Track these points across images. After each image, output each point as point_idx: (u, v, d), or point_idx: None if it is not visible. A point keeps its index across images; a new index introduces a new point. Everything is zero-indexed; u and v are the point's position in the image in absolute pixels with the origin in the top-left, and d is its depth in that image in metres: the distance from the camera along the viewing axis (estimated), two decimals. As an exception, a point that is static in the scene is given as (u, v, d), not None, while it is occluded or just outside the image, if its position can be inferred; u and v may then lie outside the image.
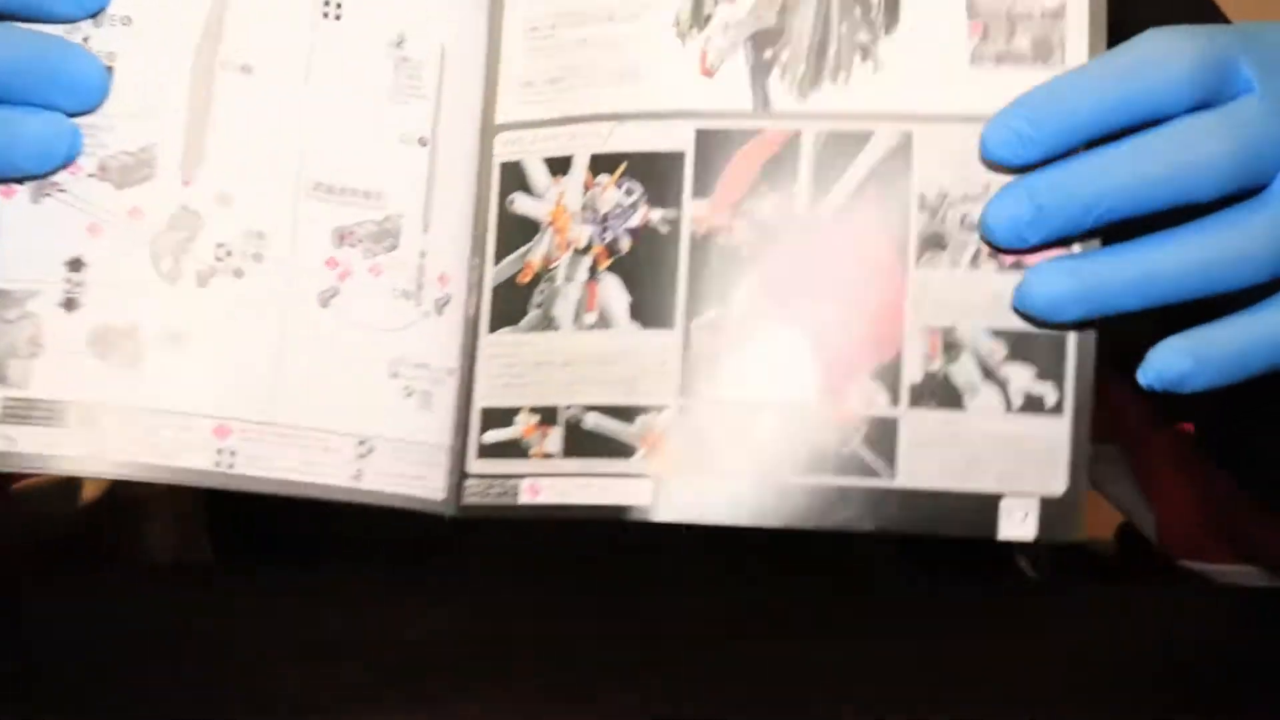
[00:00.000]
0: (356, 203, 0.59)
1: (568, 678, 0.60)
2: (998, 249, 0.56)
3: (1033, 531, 0.57)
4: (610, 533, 0.59)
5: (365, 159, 0.59)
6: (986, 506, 0.57)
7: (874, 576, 0.80)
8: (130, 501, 0.86)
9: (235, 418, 0.57)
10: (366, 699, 0.57)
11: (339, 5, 0.59)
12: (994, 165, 0.55)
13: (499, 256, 0.60)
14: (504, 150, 0.61)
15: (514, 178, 0.61)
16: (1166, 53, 0.51)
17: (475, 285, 0.60)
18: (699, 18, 0.60)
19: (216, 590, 0.63)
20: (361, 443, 0.58)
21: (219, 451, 0.57)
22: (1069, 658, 0.64)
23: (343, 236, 0.58)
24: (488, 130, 0.61)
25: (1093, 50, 0.57)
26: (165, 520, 0.90)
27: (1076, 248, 0.56)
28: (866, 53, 0.59)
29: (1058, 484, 0.57)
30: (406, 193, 0.59)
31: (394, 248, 0.59)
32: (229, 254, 0.57)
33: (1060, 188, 0.52)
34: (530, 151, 0.61)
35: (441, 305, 0.59)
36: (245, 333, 0.57)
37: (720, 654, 0.64)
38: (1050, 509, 0.57)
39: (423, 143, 0.59)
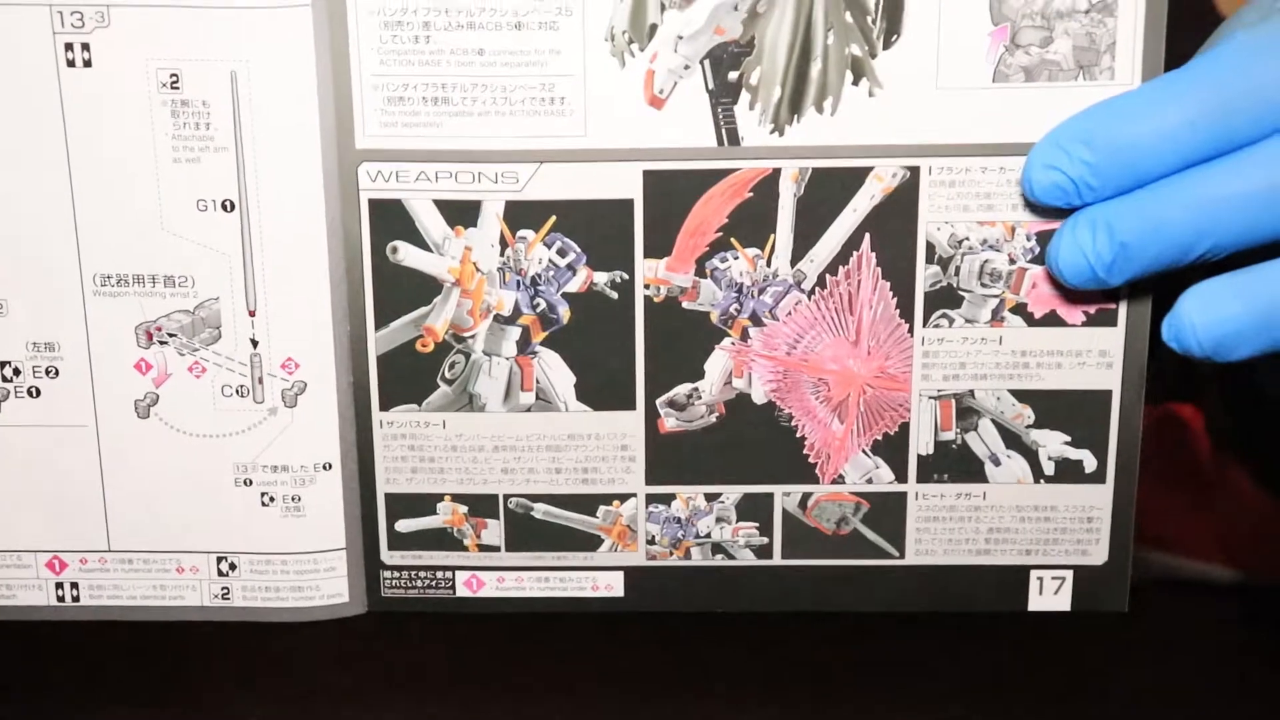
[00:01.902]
0: (158, 292, 0.46)
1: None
2: (1061, 288, 0.46)
3: (1068, 603, 0.50)
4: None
5: (156, 238, 0.45)
6: (1013, 579, 0.49)
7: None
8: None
9: (67, 550, 0.48)
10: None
11: (85, 48, 0.44)
12: (1036, 206, 0.45)
13: (383, 321, 0.47)
14: (374, 185, 0.46)
15: (392, 221, 0.46)
16: (1263, 66, 0.40)
17: (352, 357, 0.47)
18: (639, 29, 0.44)
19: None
20: (221, 559, 0.48)
21: (58, 586, 0.49)
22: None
23: (149, 334, 0.46)
24: (346, 159, 0.45)
25: (1149, 57, 0.43)
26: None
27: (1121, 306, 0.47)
28: (860, 70, 0.44)
29: (1097, 554, 0.49)
30: (219, 271, 0.46)
31: (216, 339, 0.46)
32: (17, 373, 0.47)
33: (1150, 222, 0.41)
34: (414, 192, 0.46)
35: (294, 396, 0.47)
36: (56, 458, 0.47)
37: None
38: (1088, 578, 0.49)
39: (228, 207, 0.45)
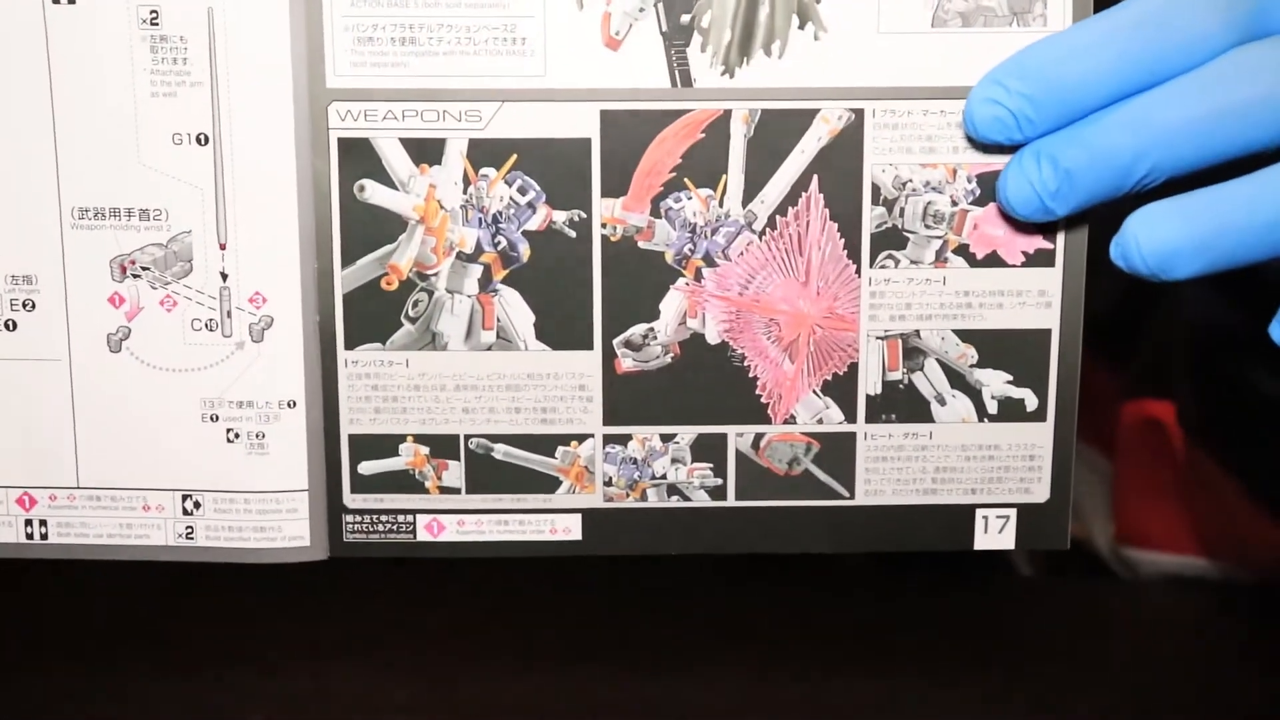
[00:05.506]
0: (133, 225, 0.48)
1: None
2: (1009, 219, 0.48)
3: (1011, 541, 0.51)
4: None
5: (133, 171, 0.48)
6: (959, 518, 0.51)
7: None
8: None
9: (38, 486, 0.50)
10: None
11: (69, -17, 0.47)
12: (980, 145, 0.47)
13: (349, 258, 0.49)
14: (343, 124, 0.48)
15: (360, 159, 0.48)
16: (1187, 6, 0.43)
17: (318, 294, 0.49)
18: None
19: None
20: (186, 498, 0.50)
21: (27, 524, 0.50)
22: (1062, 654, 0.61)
23: (124, 267, 0.48)
24: (316, 97, 0.48)
25: (1078, 4, 0.46)
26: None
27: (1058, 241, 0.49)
28: (806, 15, 0.47)
29: (1039, 492, 0.50)
30: (192, 205, 0.48)
31: (187, 272, 0.48)
32: (-6, 306, 0.49)
33: (1091, 149, 0.44)
34: (382, 130, 0.48)
35: (261, 330, 0.49)
36: (29, 392, 0.49)
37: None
38: (1031, 517, 0.51)
39: (202, 140, 0.47)
